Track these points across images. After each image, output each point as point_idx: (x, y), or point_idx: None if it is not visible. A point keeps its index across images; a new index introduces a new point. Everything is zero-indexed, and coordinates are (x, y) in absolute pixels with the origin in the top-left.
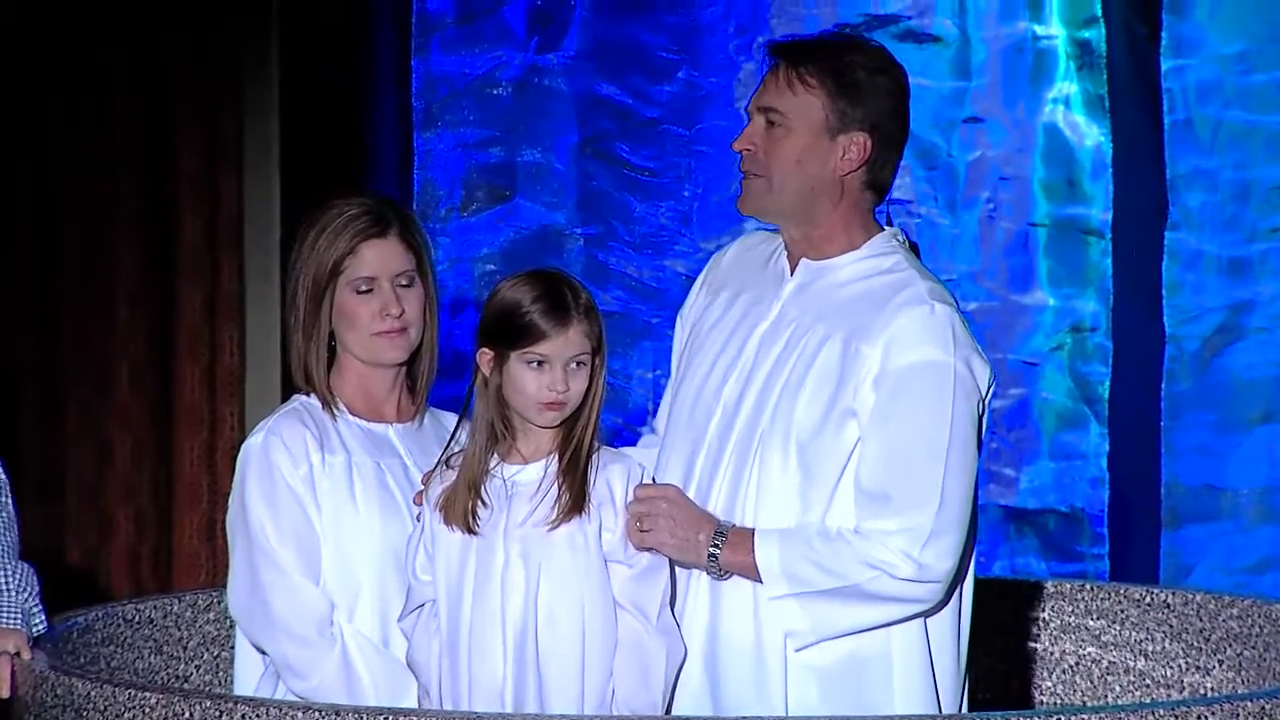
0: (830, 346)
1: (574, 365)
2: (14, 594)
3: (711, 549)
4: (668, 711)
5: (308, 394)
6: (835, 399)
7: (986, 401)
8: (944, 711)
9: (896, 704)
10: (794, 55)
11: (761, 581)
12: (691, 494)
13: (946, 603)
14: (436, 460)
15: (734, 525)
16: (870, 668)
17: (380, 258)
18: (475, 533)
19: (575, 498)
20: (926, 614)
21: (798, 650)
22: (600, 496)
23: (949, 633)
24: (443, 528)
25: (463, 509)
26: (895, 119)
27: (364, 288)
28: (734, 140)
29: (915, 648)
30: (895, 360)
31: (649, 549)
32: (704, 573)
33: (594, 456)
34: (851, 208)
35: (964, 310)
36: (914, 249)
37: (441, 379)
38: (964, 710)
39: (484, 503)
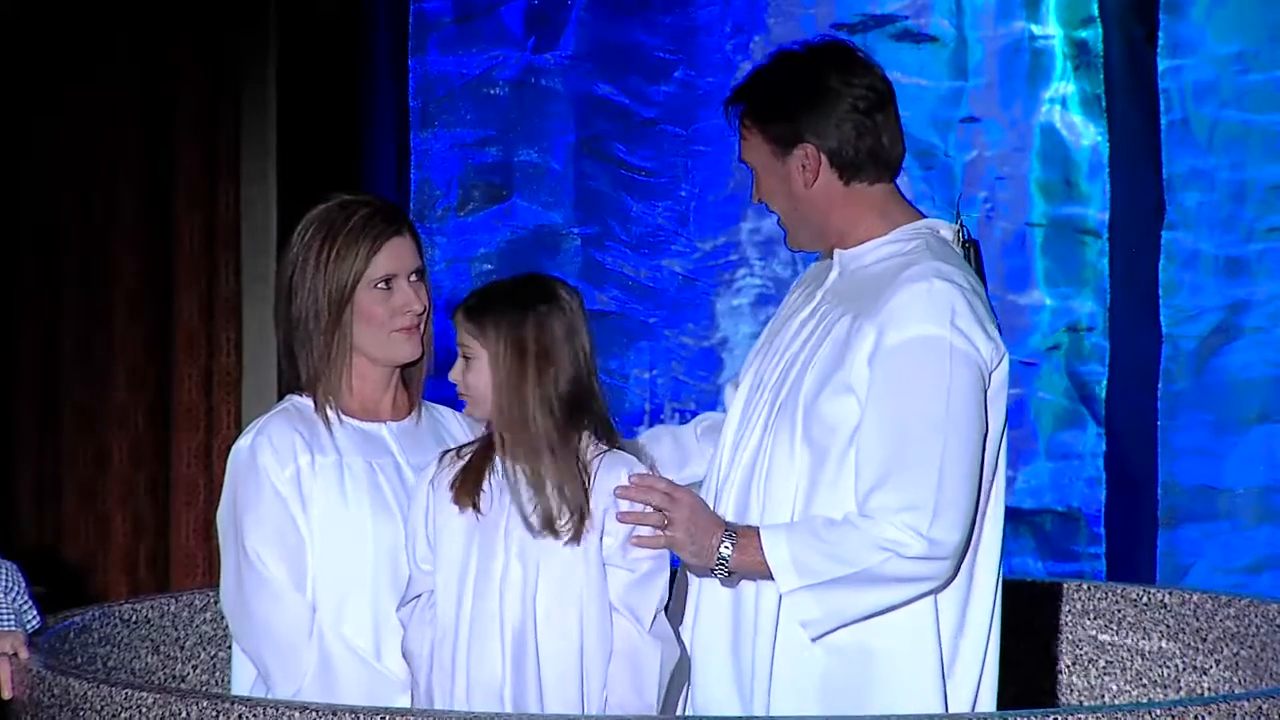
0: (841, 324)
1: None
2: (1, 595)
3: (722, 551)
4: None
5: (301, 394)
6: (835, 373)
7: (994, 375)
8: (955, 700)
9: (897, 686)
10: (732, 105)
11: (772, 579)
12: (725, 469)
13: (952, 582)
14: (446, 449)
15: (740, 526)
16: (873, 649)
17: (398, 255)
18: (479, 511)
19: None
20: (936, 594)
21: (814, 640)
22: (603, 503)
23: (956, 615)
24: (446, 519)
25: (468, 489)
26: (835, 110)
27: (384, 285)
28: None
29: (925, 630)
30: (890, 337)
31: (658, 549)
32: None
33: (595, 460)
34: (851, 204)
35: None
36: (970, 245)
37: (436, 377)
38: (993, 705)
39: (490, 489)
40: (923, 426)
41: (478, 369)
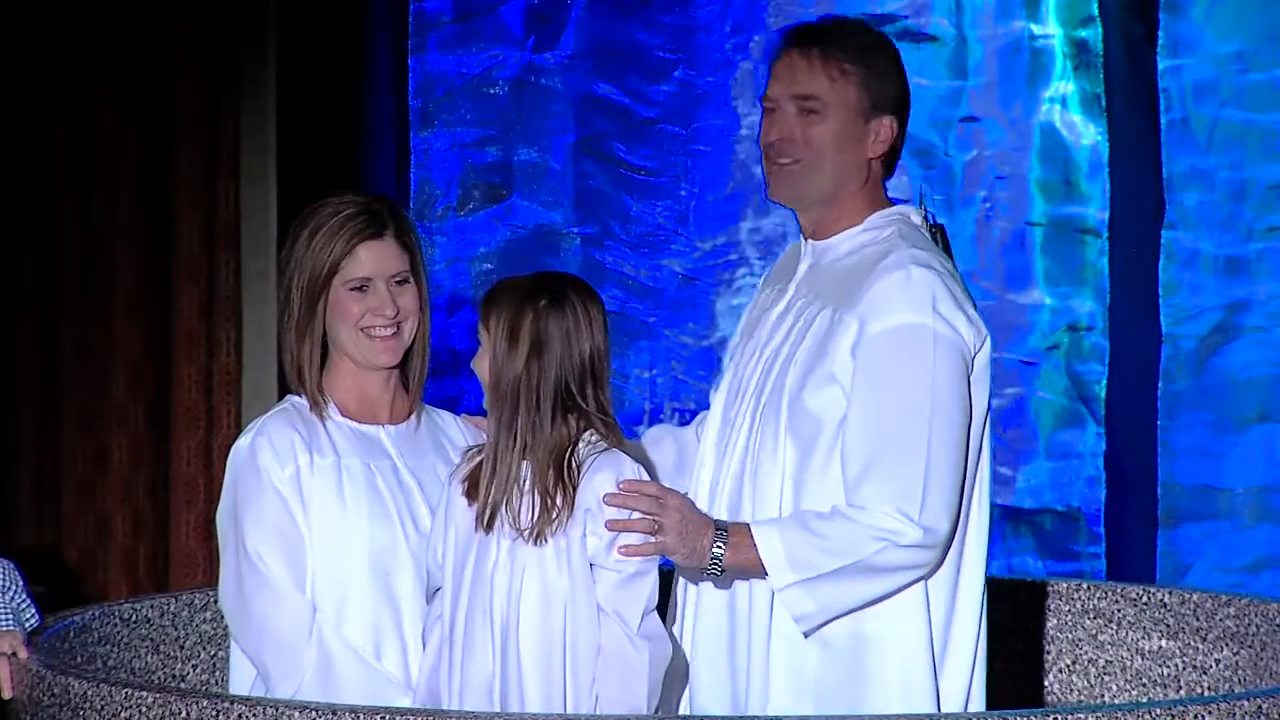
0: (821, 318)
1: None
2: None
3: (714, 550)
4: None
5: (300, 394)
6: (817, 366)
7: (976, 358)
8: (950, 689)
9: (891, 677)
10: (826, 42)
11: (765, 576)
12: (709, 471)
13: (939, 570)
14: (471, 445)
15: (730, 524)
16: (867, 640)
17: (376, 258)
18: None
19: (552, 507)
20: (926, 582)
21: (807, 635)
22: (586, 502)
23: (945, 606)
24: (456, 511)
25: (476, 483)
26: (908, 99)
27: (359, 286)
28: (764, 133)
29: (915, 620)
30: (872, 326)
31: (648, 556)
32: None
33: (589, 460)
34: (871, 187)
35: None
36: (938, 230)
37: (437, 378)
38: (982, 701)
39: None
40: (909, 414)
41: (481, 356)
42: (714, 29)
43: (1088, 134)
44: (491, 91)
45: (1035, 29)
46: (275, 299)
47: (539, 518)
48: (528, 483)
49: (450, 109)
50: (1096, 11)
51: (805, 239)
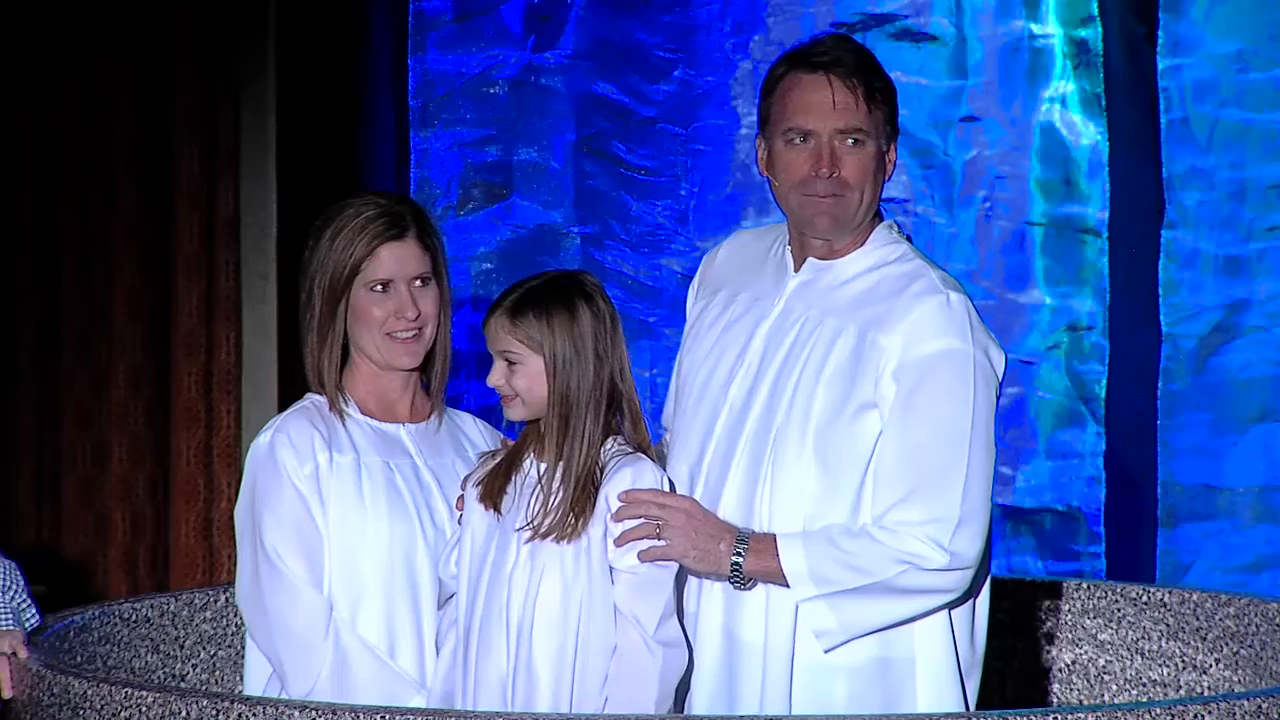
0: (844, 339)
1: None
2: (0, 593)
3: (734, 558)
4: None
5: (320, 393)
6: (852, 390)
7: (1000, 384)
8: (969, 706)
9: (922, 700)
10: (861, 71)
11: (788, 586)
12: (699, 493)
13: (971, 592)
14: (485, 451)
15: (754, 532)
16: (894, 665)
17: (397, 260)
18: (499, 512)
19: (570, 508)
20: (951, 606)
21: (827, 651)
22: (609, 505)
23: (967, 624)
24: (471, 515)
25: (493, 488)
26: None
27: (380, 288)
28: (799, 164)
29: (939, 642)
30: (915, 350)
31: (667, 560)
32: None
33: (611, 462)
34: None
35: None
36: (908, 241)
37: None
38: (972, 705)
39: (513, 489)
40: (950, 441)
41: (528, 371)
42: (714, 29)
43: (1087, 133)
44: (491, 91)
45: (1035, 28)
46: (275, 299)
47: (568, 519)
48: (556, 483)
49: (450, 109)
50: (1096, 11)
51: (795, 256)
